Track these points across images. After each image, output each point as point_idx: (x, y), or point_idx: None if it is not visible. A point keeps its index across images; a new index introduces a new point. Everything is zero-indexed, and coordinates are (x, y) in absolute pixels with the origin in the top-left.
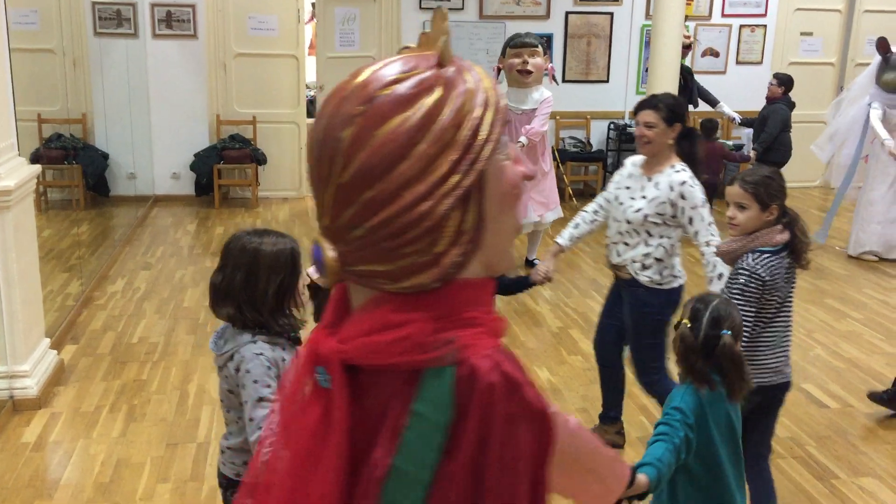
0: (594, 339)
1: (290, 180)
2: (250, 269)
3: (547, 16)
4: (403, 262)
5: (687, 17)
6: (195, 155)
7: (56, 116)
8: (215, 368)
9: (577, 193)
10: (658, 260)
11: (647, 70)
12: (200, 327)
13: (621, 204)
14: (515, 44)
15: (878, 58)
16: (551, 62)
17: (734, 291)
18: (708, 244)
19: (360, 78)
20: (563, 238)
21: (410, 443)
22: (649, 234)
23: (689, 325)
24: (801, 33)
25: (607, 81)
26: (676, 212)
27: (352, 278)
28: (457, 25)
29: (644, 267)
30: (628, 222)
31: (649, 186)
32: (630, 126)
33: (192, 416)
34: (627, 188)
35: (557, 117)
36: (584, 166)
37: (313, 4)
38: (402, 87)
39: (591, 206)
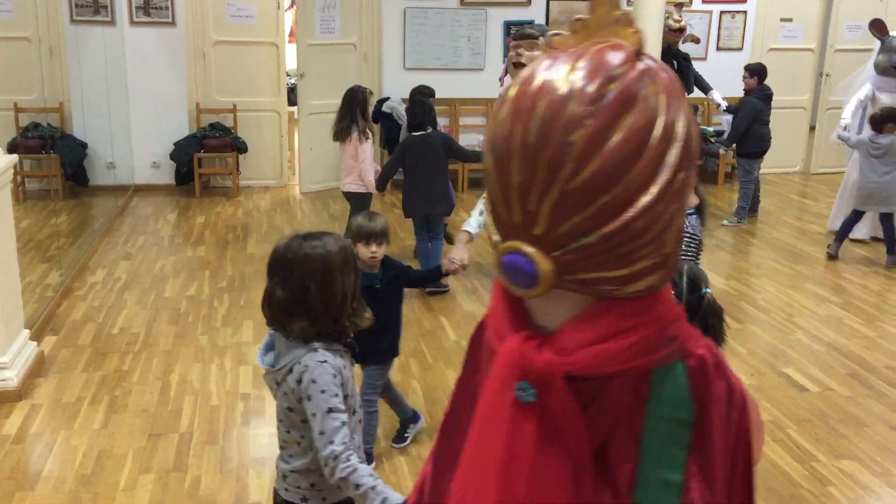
0: None
1: (271, 169)
2: (324, 277)
3: (528, 3)
4: (636, 266)
5: (670, 3)
6: (175, 144)
7: (33, 105)
8: (267, 386)
9: None
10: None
11: None
12: (182, 317)
13: None
14: (515, 35)
15: (876, 42)
16: None
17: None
18: None
19: (568, 76)
20: (472, 226)
21: (656, 446)
22: None
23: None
24: (781, 19)
25: None
26: None
27: (570, 287)
28: (437, 12)
29: None
30: None
31: None
32: None
33: (174, 407)
34: None
35: None
36: None
37: None
38: (624, 84)
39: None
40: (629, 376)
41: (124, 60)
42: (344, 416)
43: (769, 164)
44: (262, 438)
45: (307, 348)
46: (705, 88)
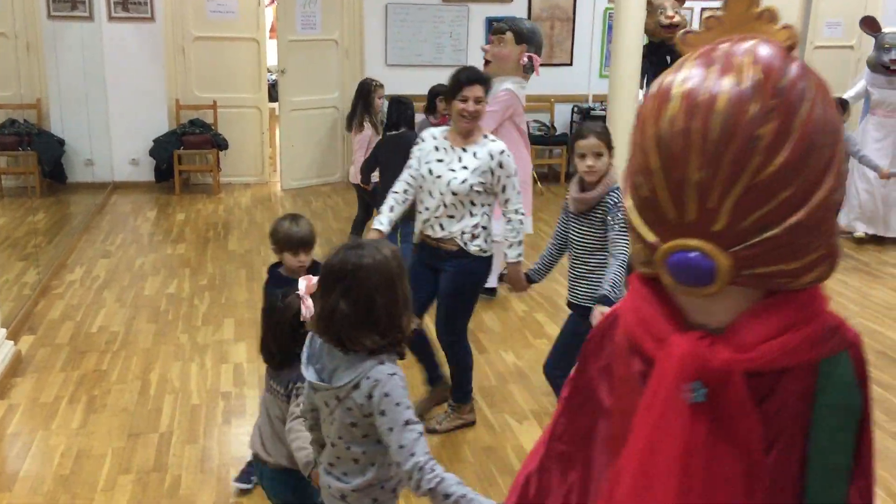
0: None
1: (252, 165)
2: (387, 286)
3: None
4: (809, 258)
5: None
6: (154, 140)
7: (9, 102)
8: (324, 403)
9: (541, 177)
10: (484, 228)
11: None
12: (162, 315)
13: (439, 177)
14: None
15: (856, 39)
16: (532, 52)
17: (623, 226)
18: (517, 212)
19: (741, 72)
20: (383, 224)
21: (826, 435)
22: (472, 204)
23: None
24: None
25: (571, 65)
26: (494, 179)
27: (745, 282)
28: (419, 8)
29: (473, 237)
30: (454, 194)
31: (467, 157)
32: (594, 109)
33: (153, 406)
34: (440, 161)
35: None
36: (549, 150)
37: None
38: (792, 80)
39: (399, 186)
40: (799, 369)
41: (102, 56)
42: (420, 427)
43: None
44: (243, 437)
45: (373, 361)
46: None
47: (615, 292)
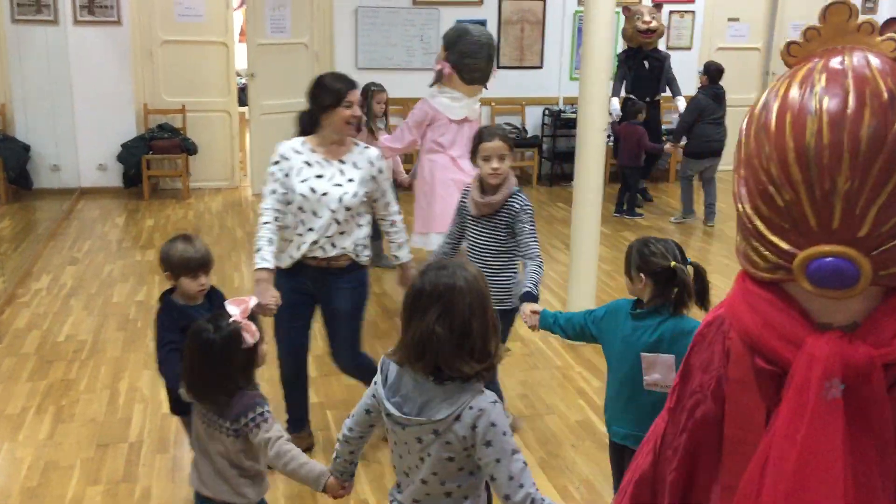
0: (286, 352)
1: (222, 170)
2: (482, 308)
3: (480, 2)
4: None
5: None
6: (122, 145)
7: None
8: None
9: None
10: (370, 237)
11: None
12: (131, 323)
13: (325, 194)
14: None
15: None
16: (454, 58)
17: (531, 226)
18: (398, 212)
19: (877, 83)
20: (268, 261)
21: None
22: (359, 215)
23: (676, 266)
24: (728, 19)
25: (541, 67)
26: (376, 186)
27: (880, 282)
28: (390, 12)
29: (364, 247)
30: (347, 209)
31: (348, 168)
32: (565, 112)
33: (123, 416)
34: (319, 177)
35: (493, 104)
36: (521, 152)
37: None
38: None
39: (268, 216)
40: None
41: (68, 60)
42: (523, 456)
43: (723, 163)
44: None
45: (472, 391)
46: (675, 92)
47: (537, 290)
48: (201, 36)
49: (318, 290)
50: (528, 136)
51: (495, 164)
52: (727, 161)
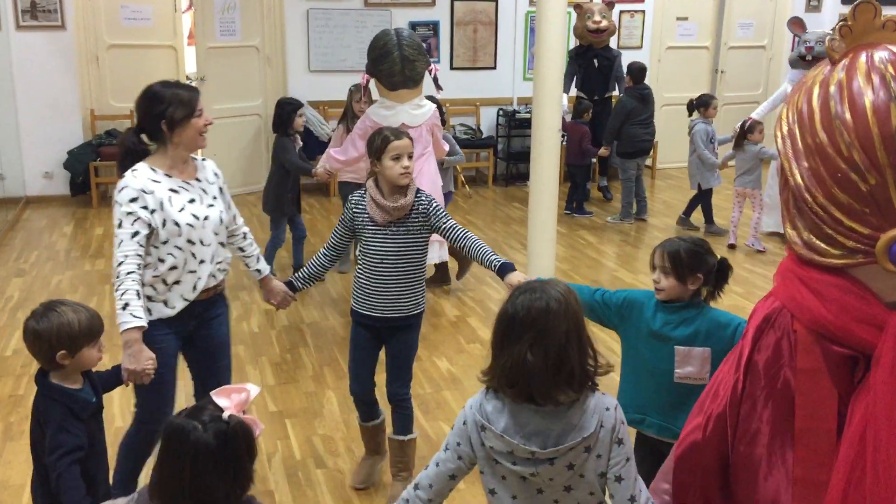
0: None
1: None
2: (578, 332)
3: (432, 3)
4: None
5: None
6: (69, 153)
7: None
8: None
9: (469, 180)
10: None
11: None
12: None
13: (207, 218)
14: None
15: (767, 38)
16: (370, 68)
17: (448, 216)
18: (244, 224)
19: None
20: (141, 319)
21: None
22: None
23: (724, 259)
24: (677, 18)
25: (495, 68)
26: (226, 198)
27: None
28: (341, 13)
29: (223, 270)
30: (226, 228)
31: (206, 185)
32: (519, 112)
33: None
34: (192, 201)
35: (447, 105)
36: (476, 153)
37: None
38: None
39: (132, 264)
40: None
41: (11, 66)
42: None
43: (669, 159)
44: None
45: (595, 392)
46: (622, 91)
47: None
48: (149, 40)
49: (198, 327)
50: (483, 136)
51: (406, 162)
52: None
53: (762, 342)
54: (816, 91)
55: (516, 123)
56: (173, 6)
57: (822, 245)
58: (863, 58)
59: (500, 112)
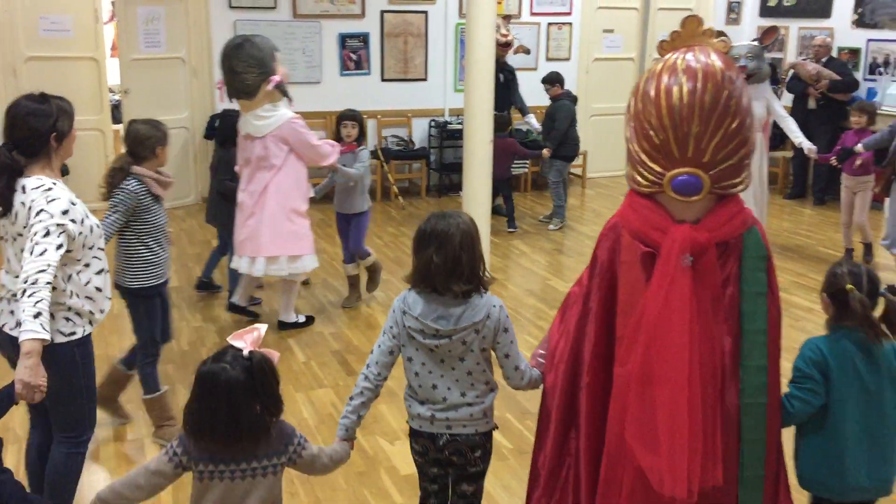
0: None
1: (96, 191)
2: (471, 245)
3: (362, 14)
4: (744, 175)
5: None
6: None
7: None
8: None
9: (402, 191)
10: None
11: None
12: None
13: (99, 226)
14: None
15: None
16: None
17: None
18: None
19: (716, 67)
20: (47, 332)
21: (749, 273)
22: None
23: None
24: (604, 30)
25: (426, 79)
26: None
27: (714, 191)
28: (270, 24)
29: None
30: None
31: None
32: (451, 123)
33: None
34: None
35: (379, 116)
36: (408, 164)
37: (113, 3)
38: (736, 72)
39: (50, 275)
40: (735, 239)
41: None
42: None
43: (592, 169)
44: (96, 484)
45: (486, 296)
46: (523, 111)
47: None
48: (69, 51)
49: None
50: (416, 147)
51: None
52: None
53: (603, 244)
54: (646, 76)
55: (448, 134)
56: (94, 17)
57: (638, 178)
58: (675, 55)
59: (432, 123)
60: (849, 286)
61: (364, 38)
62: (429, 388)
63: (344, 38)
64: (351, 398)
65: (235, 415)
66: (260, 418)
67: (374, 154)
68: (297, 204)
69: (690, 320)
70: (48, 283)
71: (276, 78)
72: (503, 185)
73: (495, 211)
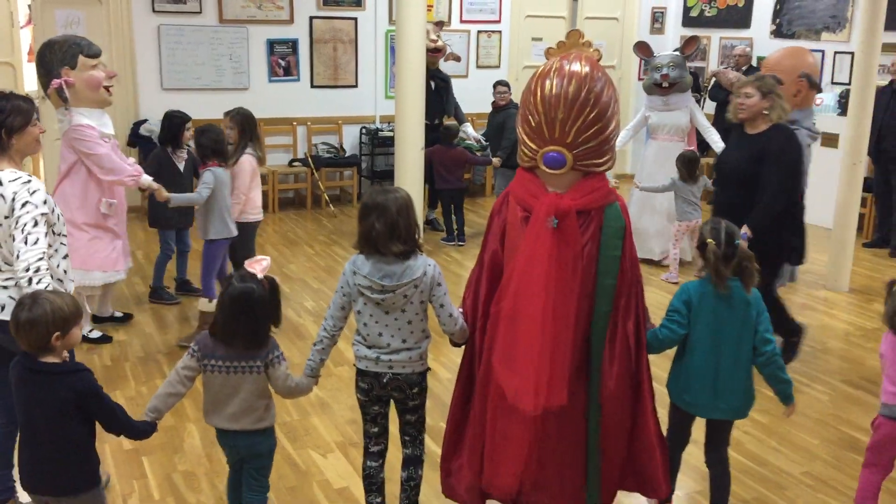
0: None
1: None
2: (407, 212)
3: (291, 20)
4: (606, 157)
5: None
6: None
7: None
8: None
9: (333, 199)
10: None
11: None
12: None
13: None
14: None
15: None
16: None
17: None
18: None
19: (583, 67)
20: None
21: (608, 239)
22: None
23: (714, 243)
24: (532, 38)
25: (356, 86)
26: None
27: (577, 167)
28: (195, 30)
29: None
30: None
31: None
32: (382, 130)
33: None
34: (45, 202)
35: (309, 123)
36: (339, 172)
37: (29, 6)
38: (603, 71)
39: (46, 261)
40: (597, 211)
41: None
42: None
43: None
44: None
45: (423, 258)
46: (460, 120)
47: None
48: None
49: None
50: (347, 155)
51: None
52: None
53: (497, 209)
54: (534, 75)
55: (380, 141)
56: (10, 20)
57: (522, 155)
58: (557, 60)
59: (363, 130)
60: (709, 240)
61: (293, 45)
62: (375, 336)
63: (272, 44)
64: (314, 345)
65: (253, 325)
66: (266, 328)
67: (303, 161)
68: (75, 215)
69: (548, 270)
70: (47, 268)
71: (57, 82)
72: (456, 196)
73: (430, 224)
